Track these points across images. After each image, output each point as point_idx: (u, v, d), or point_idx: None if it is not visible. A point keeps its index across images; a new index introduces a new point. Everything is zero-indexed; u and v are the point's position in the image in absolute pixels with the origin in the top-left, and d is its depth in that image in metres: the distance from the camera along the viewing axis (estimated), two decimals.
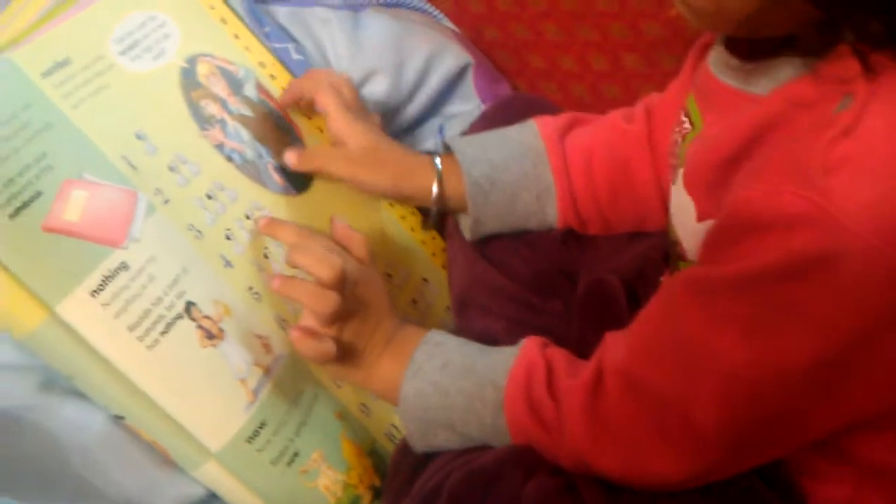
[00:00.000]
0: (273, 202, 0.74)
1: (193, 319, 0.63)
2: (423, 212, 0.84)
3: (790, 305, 0.50)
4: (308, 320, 0.65)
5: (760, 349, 0.52)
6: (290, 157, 0.76)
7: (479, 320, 0.80)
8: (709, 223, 0.57)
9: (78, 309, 0.58)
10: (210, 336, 0.63)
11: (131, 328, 0.59)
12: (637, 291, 0.77)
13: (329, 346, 0.64)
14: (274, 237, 0.70)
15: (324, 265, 0.64)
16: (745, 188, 0.52)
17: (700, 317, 0.54)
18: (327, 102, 0.77)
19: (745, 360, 0.52)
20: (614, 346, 0.62)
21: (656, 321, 0.59)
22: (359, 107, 0.80)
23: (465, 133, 0.89)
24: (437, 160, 0.79)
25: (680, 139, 0.66)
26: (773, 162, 0.52)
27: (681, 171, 0.64)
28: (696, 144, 0.63)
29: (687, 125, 0.65)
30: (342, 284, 0.64)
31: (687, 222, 0.63)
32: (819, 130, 0.49)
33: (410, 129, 0.95)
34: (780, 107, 0.54)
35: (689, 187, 0.62)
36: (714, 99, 0.62)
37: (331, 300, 0.63)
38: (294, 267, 0.65)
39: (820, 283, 0.49)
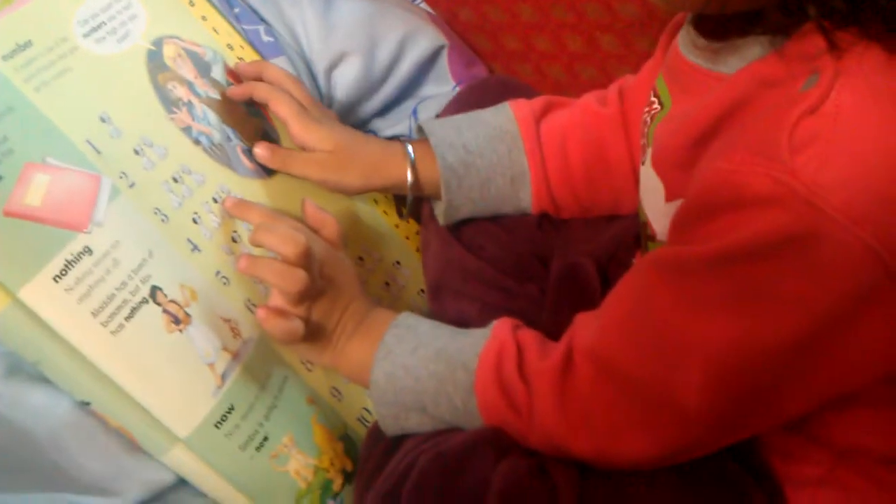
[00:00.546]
0: (242, 186, 0.73)
1: (159, 304, 0.62)
2: (399, 199, 0.83)
3: (762, 285, 0.50)
4: (276, 300, 0.65)
5: (734, 329, 0.51)
6: (263, 153, 0.75)
7: (453, 304, 0.80)
8: (677, 203, 0.57)
9: (41, 294, 0.57)
10: (176, 321, 0.63)
11: (95, 313, 0.59)
12: (610, 274, 0.77)
13: (296, 325, 0.64)
14: (240, 218, 0.69)
15: (288, 243, 0.63)
16: (713, 168, 0.51)
17: (672, 297, 0.54)
18: (284, 111, 0.75)
19: (720, 341, 0.52)
20: (585, 327, 0.62)
21: (628, 302, 0.59)
22: (315, 106, 0.79)
23: (439, 115, 0.88)
24: (409, 147, 0.78)
25: (649, 119, 0.65)
26: (741, 141, 0.51)
27: (649, 151, 0.63)
28: (664, 124, 0.62)
29: (656, 105, 0.64)
30: (308, 262, 0.64)
31: (656, 203, 0.63)
32: (786, 108, 0.49)
33: (383, 112, 0.94)
34: (748, 86, 0.53)
35: (658, 167, 0.62)
36: (682, 79, 0.61)
37: (297, 278, 0.63)
38: (258, 246, 0.65)
39: (791, 262, 0.48)
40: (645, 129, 0.66)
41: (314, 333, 0.66)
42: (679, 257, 0.54)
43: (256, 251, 0.67)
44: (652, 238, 0.66)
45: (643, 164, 0.65)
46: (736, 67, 0.56)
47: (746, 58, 0.55)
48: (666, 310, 0.54)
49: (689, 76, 0.60)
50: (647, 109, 0.66)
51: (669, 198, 0.61)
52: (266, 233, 0.64)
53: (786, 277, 0.49)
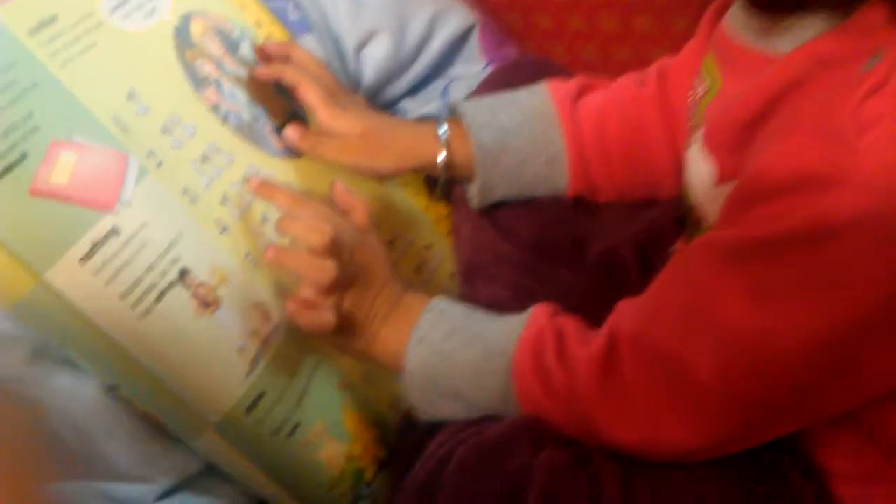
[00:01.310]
0: (271, 166, 0.71)
1: (188, 287, 0.60)
2: (431, 181, 0.81)
3: (818, 271, 0.48)
4: (306, 291, 0.63)
5: (786, 316, 0.50)
6: (293, 135, 0.73)
7: (485, 289, 0.78)
8: (729, 186, 0.55)
9: (67, 276, 0.55)
10: (206, 304, 0.61)
11: (123, 296, 0.57)
12: (648, 260, 0.75)
13: (327, 318, 0.62)
14: (267, 200, 0.67)
15: (314, 233, 0.61)
16: (770, 149, 0.49)
17: (721, 283, 0.52)
18: (311, 98, 0.73)
19: (770, 328, 0.50)
20: (628, 313, 0.60)
21: (673, 287, 0.57)
22: (342, 90, 0.77)
23: (469, 96, 0.86)
24: (443, 127, 0.76)
25: (697, 101, 0.63)
26: (800, 122, 0.49)
27: (699, 133, 0.61)
28: (715, 105, 0.60)
29: (704, 87, 0.62)
30: (336, 252, 0.62)
31: (705, 186, 0.61)
32: (848, 89, 0.47)
33: (413, 92, 0.92)
34: (804, 65, 0.52)
35: (710, 147, 0.60)
36: (733, 59, 0.59)
37: (326, 269, 0.61)
38: (284, 236, 0.63)
39: (849, 247, 0.46)
40: (693, 111, 0.64)
41: (346, 323, 0.65)
42: (736, 241, 0.52)
43: (284, 240, 0.65)
44: (698, 223, 0.64)
45: (691, 146, 0.63)
46: (790, 47, 0.53)
47: (802, 37, 0.53)
48: (712, 295, 0.52)
49: (740, 57, 0.58)
50: (692, 91, 0.64)
51: (720, 180, 0.59)
52: (291, 221, 0.63)
53: (843, 263, 0.47)
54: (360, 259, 0.65)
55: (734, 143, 0.56)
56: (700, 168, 0.61)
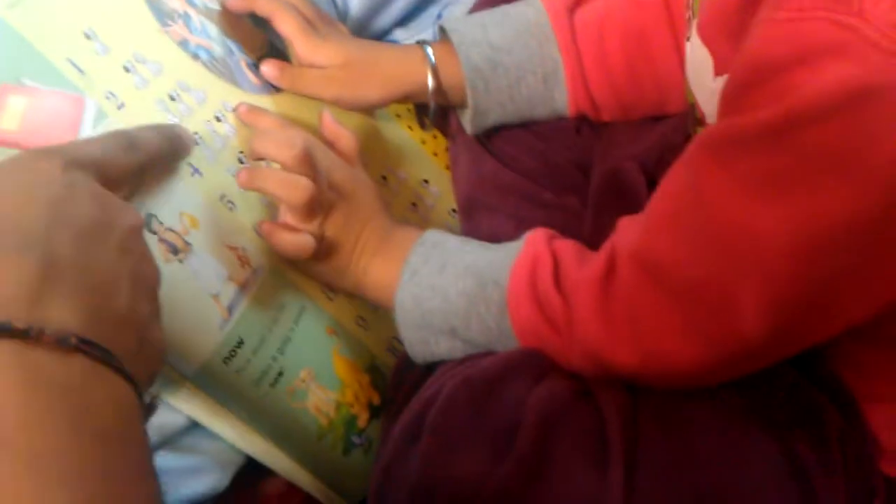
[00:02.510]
0: (249, 102, 0.67)
1: (154, 233, 0.57)
2: (422, 110, 0.77)
3: (831, 153, 0.42)
4: (284, 216, 0.60)
5: (795, 210, 0.44)
6: (271, 71, 0.68)
7: (487, 222, 0.74)
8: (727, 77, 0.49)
9: None
10: (174, 250, 0.58)
11: None
12: (657, 180, 0.69)
13: (305, 239, 0.59)
14: (250, 125, 0.64)
15: (284, 147, 0.58)
16: (766, 20, 0.44)
17: (726, 180, 0.47)
18: (287, 29, 0.68)
19: (780, 226, 0.45)
20: (628, 229, 0.55)
21: (675, 194, 0.52)
22: (322, 19, 0.72)
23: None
24: (429, 50, 0.71)
25: None
26: None
27: (695, 22, 0.56)
28: None
29: None
30: (310, 169, 0.59)
31: (704, 80, 0.56)
32: None
33: (405, 21, 0.87)
34: None
35: (706, 38, 0.54)
36: None
37: (301, 186, 0.58)
38: (256, 157, 0.61)
39: (859, 123, 0.41)
40: (689, 1, 0.58)
41: (330, 251, 0.61)
42: (732, 131, 0.46)
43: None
44: (701, 122, 0.59)
45: (689, 38, 0.58)
46: None
47: None
48: (720, 196, 0.47)
49: None
50: None
51: (718, 72, 0.54)
52: (262, 139, 0.60)
53: (853, 142, 0.41)
54: (341, 182, 0.62)
55: (731, 28, 0.50)
56: (698, 61, 0.56)
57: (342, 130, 0.66)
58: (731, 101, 0.47)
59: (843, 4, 0.40)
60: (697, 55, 0.56)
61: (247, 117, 0.65)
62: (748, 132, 0.45)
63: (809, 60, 0.41)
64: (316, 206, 0.60)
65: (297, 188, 0.58)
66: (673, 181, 0.52)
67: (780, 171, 0.44)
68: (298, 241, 0.59)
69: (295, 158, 0.58)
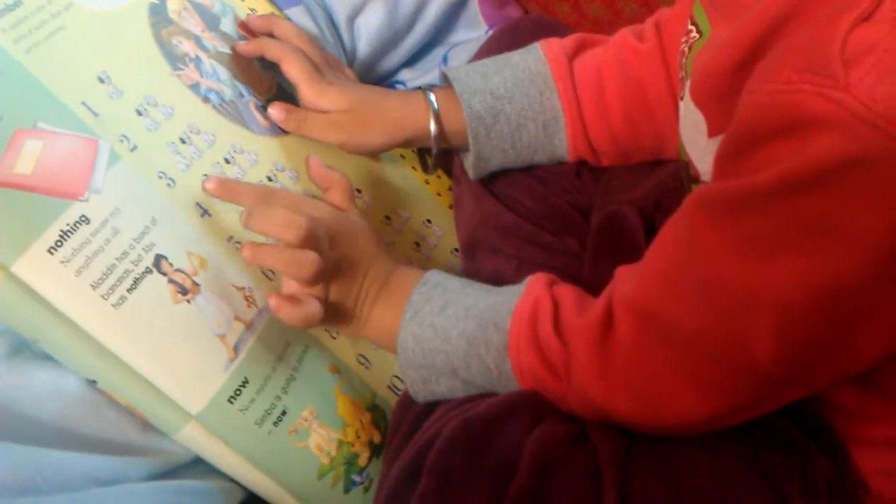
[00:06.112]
0: (257, 144, 0.69)
1: (164, 273, 0.58)
2: (424, 152, 0.78)
3: (823, 218, 0.43)
4: (289, 286, 0.60)
5: (798, 270, 0.45)
6: (278, 114, 0.70)
7: (488, 262, 0.75)
8: (720, 138, 0.51)
9: (35, 267, 0.53)
10: (183, 291, 0.59)
11: (95, 285, 0.55)
12: (655, 224, 0.71)
13: (313, 309, 0.59)
14: (228, 201, 0.62)
15: (289, 228, 0.57)
16: (757, 90, 0.45)
17: (723, 239, 0.48)
18: (295, 74, 0.70)
19: (786, 284, 0.46)
20: (626, 280, 0.56)
21: (672, 248, 0.53)
22: (328, 64, 0.74)
23: (470, 62, 0.83)
24: (432, 96, 0.73)
25: (687, 50, 0.59)
26: (788, 56, 0.44)
27: (688, 84, 0.57)
28: (703, 53, 0.56)
29: (694, 34, 0.58)
30: (315, 243, 0.59)
31: (698, 140, 0.57)
32: (836, 17, 0.42)
33: (412, 62, 0.89)
34: None
35: (698, 100, 0.56)
36: (720, 2, 0.55)
37: (307, 263, 0.58)
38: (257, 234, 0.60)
39: (853, 190, 0.42)
40: (683, 61, 0.60)
41: (335, 310, 0.62)
42: (726, 193, 0.47)
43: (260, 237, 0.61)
44: (695, 179, 0.61)
45: (682, 98, 0.59)
46: None
47: None
48: (717, 254, 0.48)
49: None
50: (684, 40, 0.60)
51: (712, 133, 0.55)
52: (261, 219, 0.58)
53: (844, 209, 0.42)
54: (342, 245, 0.62)
55: (723, 92, 0.52)
56: (691, 121, 0.57)
57: (333, 175, 0.66)
58: (724, 165, 0.49)
59: (829, 79, 0.41)
60: (690, 116, 0.57)
61: (218, 192, 0.62)
62: (742, 195, 0.46)
63: (799, 131, 0.42)
64: (321, 276, 0.60)
65: (304, 265, 0.58)
66: (668, 234, 0.53)
67: (775, 233, 0.45)
68: (306, 313, 0.59)
69: (299, 239, 0.58)
